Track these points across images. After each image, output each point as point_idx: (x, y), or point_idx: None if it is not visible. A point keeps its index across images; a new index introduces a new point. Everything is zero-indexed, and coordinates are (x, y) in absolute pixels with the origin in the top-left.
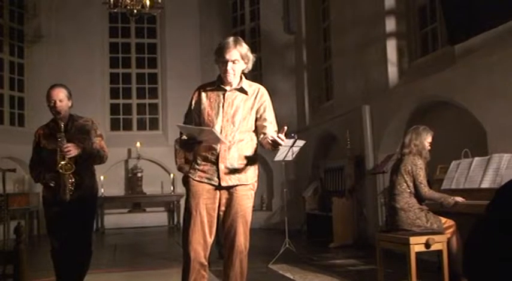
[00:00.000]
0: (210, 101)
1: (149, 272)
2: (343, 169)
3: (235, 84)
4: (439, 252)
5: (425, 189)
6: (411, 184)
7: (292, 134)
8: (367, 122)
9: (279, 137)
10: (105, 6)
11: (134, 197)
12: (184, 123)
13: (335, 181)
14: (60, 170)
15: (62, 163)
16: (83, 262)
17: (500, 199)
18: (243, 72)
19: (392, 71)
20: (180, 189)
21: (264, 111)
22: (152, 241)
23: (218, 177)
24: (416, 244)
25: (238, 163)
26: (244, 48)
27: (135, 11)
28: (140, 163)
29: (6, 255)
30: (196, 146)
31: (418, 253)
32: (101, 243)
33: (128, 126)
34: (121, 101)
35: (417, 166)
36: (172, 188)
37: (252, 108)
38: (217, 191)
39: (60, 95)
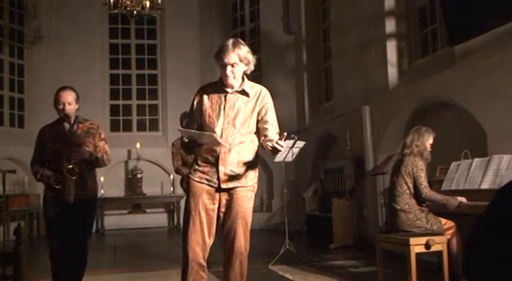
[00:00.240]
0: (211, 102)
1: (149, 273)
2: (343, 169)
3: (236, 87)
4: (439, 253)
5: (426, 190)
6: (411, 185)
7: (292, 135)
8: (367, 122)
9: (278, 144)
10: (105, 7)
11: (134, 198)
12: (186, 122)
13: (335, 181)
14: (66, 174)
15: (69, 167)
16: (80, 265)
17: (500, 200)
18: (245, 73)
19: (392, 71)
20: (180, 190)
21: (266, 113)
22: (152, 242)
23: (218, 179)
24: (417, 245)
25: (238, 166)
26: (243, 50)
27: (135, 12)
28: (140, 164)
29: (6, 256)
30: (197, 148)
31: (418, 254)
32: (101, 244)
33: (127, 127)
34: (121, 102)
35: (418, 167)
36: (172, 189)
37: (253, 110)
38: (217, 192)
39: (69, 98)
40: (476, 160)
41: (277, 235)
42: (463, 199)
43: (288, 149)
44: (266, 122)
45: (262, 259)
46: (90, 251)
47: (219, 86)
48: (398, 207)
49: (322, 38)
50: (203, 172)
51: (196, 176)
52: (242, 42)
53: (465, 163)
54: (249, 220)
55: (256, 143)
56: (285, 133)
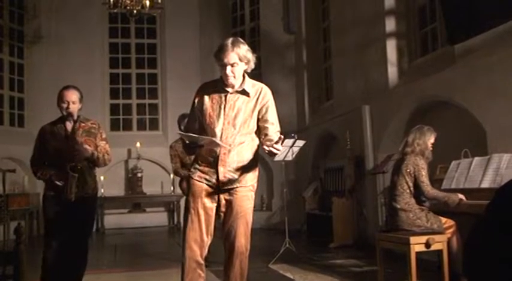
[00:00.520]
0: (212, 102)
1: (149, 273)
2: (343, 169)
3: (237, 86)
4: (439, 252)
5: (428, 188)
6: (412, 185)
7: (292, 134)
8: (367, 122)
9: (274, 147)
10: (105, 7)
11: (134, 198)
12: (187, 121)
13: (335, 181)
14: (69, 171)
15: (72, 164)
16: (80, 264)
17: (500, 199)
18: (245, 72)
19: (392, 71)
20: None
21: (266, 112)
22: (152, 241)
23: (217, 179)
24: (417, 244)
25: (238, 166)
26: (242, 49)
27: (134, 11)
28: (140, 163)
29: (6, 256)
30: (197, 149)
31: (418, 253)
32: (101, 243)
33: (127, 126)
34: (121, 101)
35: (419, 166)
36: (172, 188)
37: (253, 110)
38: (217, 192)
39: (74, 97)
40: (476, 158)
41: (277, 234)
42: (463, 197)
43: (287, 148)
44: (266, 120)
45: (262, 258)
46: (90, 251)
47: (220, 86)
48: (398, 206)
49: (322, 38)
50: (203, 172)
51: (196, 175)
52: (241, 41)
53: (465, 162)
54: (250, 219)
55: (257, 142)
56: (282, 136)
